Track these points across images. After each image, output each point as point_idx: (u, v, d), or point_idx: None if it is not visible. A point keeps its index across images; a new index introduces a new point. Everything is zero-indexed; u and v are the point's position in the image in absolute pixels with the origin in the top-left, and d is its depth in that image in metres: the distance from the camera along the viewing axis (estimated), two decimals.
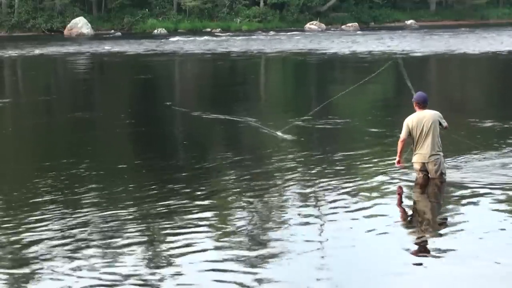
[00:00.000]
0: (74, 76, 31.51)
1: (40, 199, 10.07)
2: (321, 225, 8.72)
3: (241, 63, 36.61)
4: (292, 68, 35.60)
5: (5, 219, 9.17)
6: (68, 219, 9.01)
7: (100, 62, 38.18)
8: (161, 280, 7.09)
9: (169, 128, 17.69)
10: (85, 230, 8.58)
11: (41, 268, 7.43)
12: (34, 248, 8.00)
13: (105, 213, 9.30)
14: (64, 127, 17.84)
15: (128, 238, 8.32)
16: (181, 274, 7.21)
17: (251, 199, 9.93)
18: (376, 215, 9.09)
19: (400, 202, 9.93)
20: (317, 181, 10.83)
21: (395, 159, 10.90)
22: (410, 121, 10.55)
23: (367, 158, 12.59)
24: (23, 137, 16.59)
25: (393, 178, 10.91)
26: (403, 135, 10.58)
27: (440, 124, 10.51)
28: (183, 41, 52.03)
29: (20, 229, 8.71)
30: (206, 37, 56.14)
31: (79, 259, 7.64)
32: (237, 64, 36.44)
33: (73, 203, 9.81)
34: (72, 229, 8.64)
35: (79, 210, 9.41)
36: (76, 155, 13.48)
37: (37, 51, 43.65)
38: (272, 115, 18.10)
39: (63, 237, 8.32)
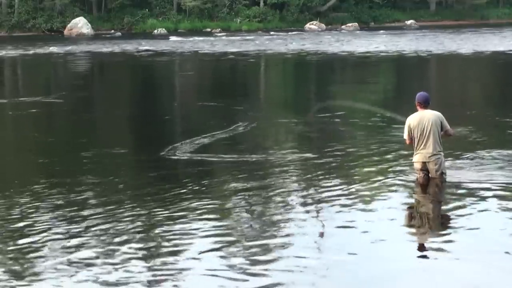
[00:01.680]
0: (108, 74, 32.40)
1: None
2: (321, 225, 8.74)
3: (247, 62, 36.70)
4: (300, 68, 35.63)
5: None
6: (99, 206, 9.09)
7: (134, 61, 38.38)
8: (161, 281, 7.11)
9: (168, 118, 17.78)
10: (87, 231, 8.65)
11: (41, 268, 7.46)
12: (35, 246, 8.05)
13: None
14: (116, 122, 18.53)
15: (130, 237, 8.36)
16: (181, 276, 7.23)
17: (251, 198, 9.97)
18: (376, 215, 9.11)
19: (401, 202, 9.97)
20: (317, 181, 10.85)
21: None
22: (411, 121, 10.59)
23: (368, 158, 12.62)
24: (83, 130, 17.36)
25: (393, 178, 10.94)
26: (405, 136, 10.64)
27: (441, 126, 10.50)
28: (194, 41, 52.05)
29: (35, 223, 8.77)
30: (215, 37, 56.24)
31: (79, 259, 7.66)
32: (242, 64, 36.53)
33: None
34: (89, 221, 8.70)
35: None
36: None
37: (54, 50, 44.29)
38: (276, 114, 18.14)
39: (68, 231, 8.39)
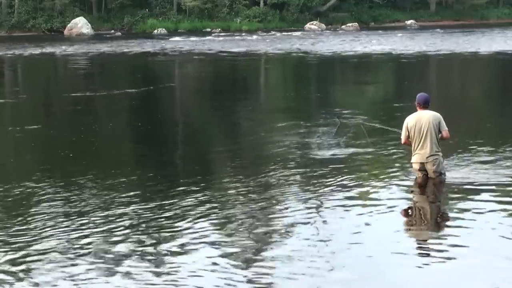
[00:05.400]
0: (162, 69, 33.76)
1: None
2: (321, 225, 8.76)
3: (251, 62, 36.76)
4: (305, 68, 35.68)
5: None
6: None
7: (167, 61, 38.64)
8: (160, 282, 7.14)
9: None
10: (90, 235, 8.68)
11: (40, 268, 7.51)
12: (36, 245, 8.10)
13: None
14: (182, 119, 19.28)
15: (131, 235, 8.40)
16: (180, 276, 7.27)
17: (250, 198, 10.00)
18: (375, 215, 9.13)
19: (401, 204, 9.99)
20: (317, 181, 10.87)
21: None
22: (408, 121, 10.65)
23: (367, 158, 12.63)
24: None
25: (392, 179, 10.96)
26: (402, 137, 10.70)
27: (439, 127, 10.51)
28: (201, 41, 52.00)
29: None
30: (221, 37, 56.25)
31: (77, 259, 7.72)
32: (243, 64, 36.60)
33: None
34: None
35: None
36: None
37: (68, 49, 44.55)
38: (278, 114, 18.17)
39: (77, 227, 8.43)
